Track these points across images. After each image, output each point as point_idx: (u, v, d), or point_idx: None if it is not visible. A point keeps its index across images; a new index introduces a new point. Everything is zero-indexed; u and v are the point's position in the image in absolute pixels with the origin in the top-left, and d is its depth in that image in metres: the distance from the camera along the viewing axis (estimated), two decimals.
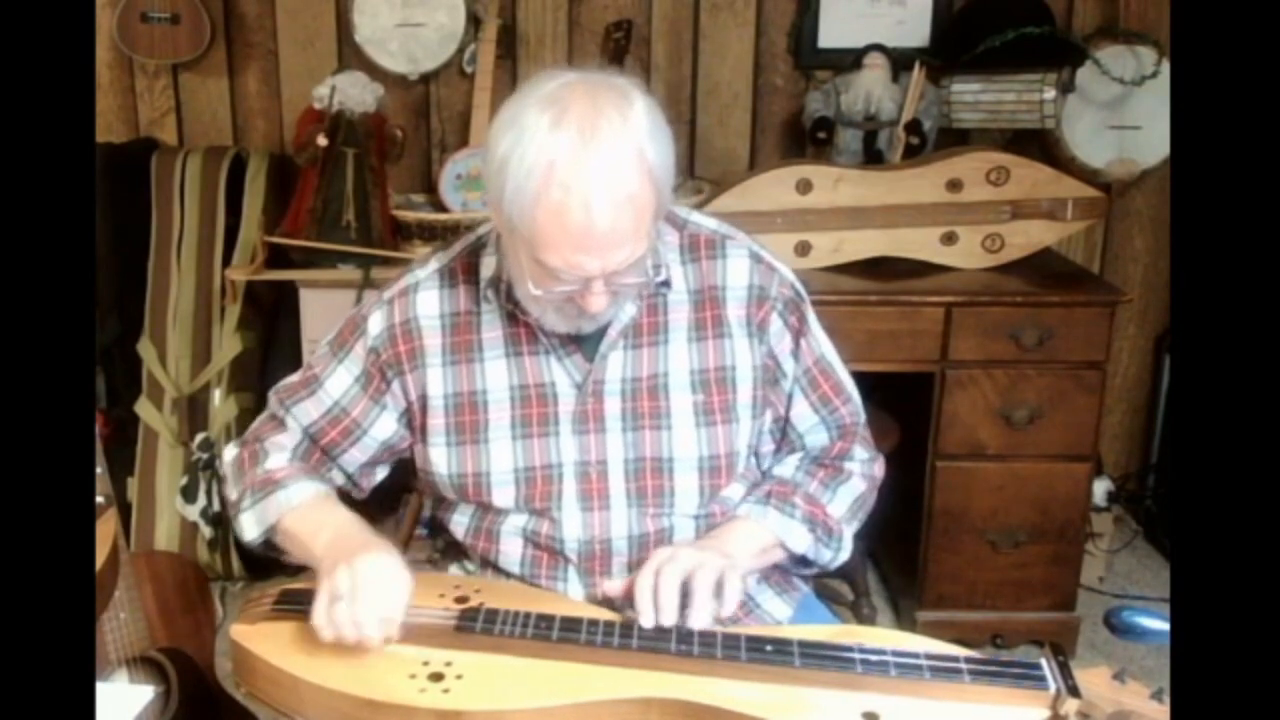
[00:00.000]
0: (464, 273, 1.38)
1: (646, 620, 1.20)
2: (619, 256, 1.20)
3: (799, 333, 1.41)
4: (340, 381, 1.39)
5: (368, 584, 1.18)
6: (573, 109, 1.17)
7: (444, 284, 1.38)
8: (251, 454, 1.40)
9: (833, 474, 1.45)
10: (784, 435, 1.45)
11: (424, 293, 1.38)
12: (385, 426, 1.40)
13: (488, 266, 1.36)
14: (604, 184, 1.15)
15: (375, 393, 1.38)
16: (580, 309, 1.25)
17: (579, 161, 1.15)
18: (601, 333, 1.34)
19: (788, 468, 1.46)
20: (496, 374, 1.36)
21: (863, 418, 1.49)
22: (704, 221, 1.42)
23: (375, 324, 1.38)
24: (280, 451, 1.40)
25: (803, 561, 1.42)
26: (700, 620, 1.20)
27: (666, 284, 1.35)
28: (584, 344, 1.35)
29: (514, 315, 1.34)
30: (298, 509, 1.33)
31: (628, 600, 1.26)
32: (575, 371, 1.35)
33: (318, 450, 1.42)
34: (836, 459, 1.46)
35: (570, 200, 1.15)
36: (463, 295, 1.38)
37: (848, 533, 1.44)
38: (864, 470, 1.48)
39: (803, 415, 1.44)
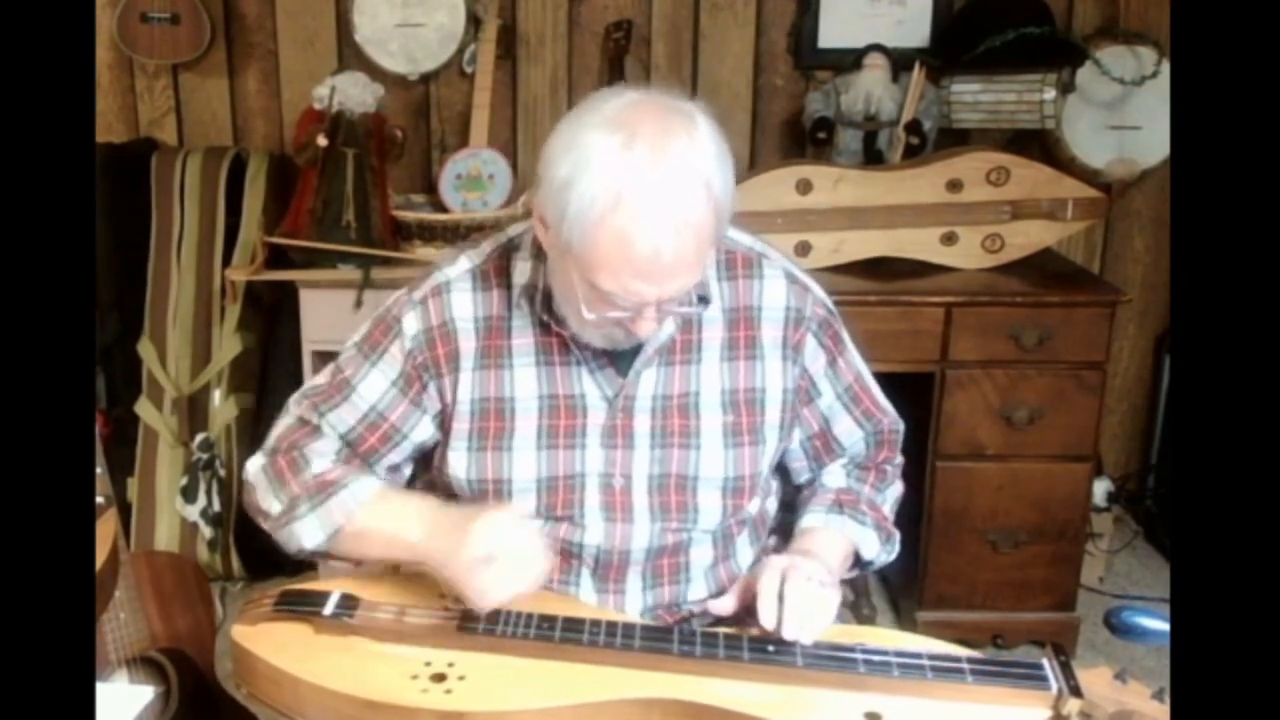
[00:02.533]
0: (496, 275, 1.35)
1: (770, 622, 1.20)
2: (677, 284, 1.18)
3: (835, 352, 1.41)
4: (375, 385, 1.36)
5: (501, 541, 1.20)
6: (641, 133, 1.14)
7: (477, 286, 1.35)
8: (290, 462, 1.35)
9: (880, 477, 1.49)
10: (825, 448, 1.46)
11: (458, 294, 1.34)
12: (424, 430, 1.37)
13: (521, 273, 1.33)
14: (671, 215, 1.13)
15: (415, 396, 1.35)
16: (627, 332, 1.24)
17: (648, 190, 1.13)
18: (636, 348, 1.32)
19: (838, 476, 1.48)
20: (525, 382, 1.33)
21: (902, 426, 1.51)
22: (739, 238, 1.40)
23: (411, 325, 1.34)
24: (322, 458, 1.36)
25: (859, 564, 1.44)
26: (810, 637, 1.20)
27: (704, 300, 1.33)
28: (617, 358, 1.33)
29: (547, 325, 1.32)
30: (367, 505, 1.30)
31: (744, 612, 1.26)
32: (607, 386, 1.33)
33: (356, 458, 1.38)
34: (882, 464, 1.50)
35: (636, 229, 1.13)
36: (495, 299, 1.34)
37: (897, 532, 1.47)
38: (899, 472, 1.53)
39: (849, 431, 1.45)
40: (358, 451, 1.38)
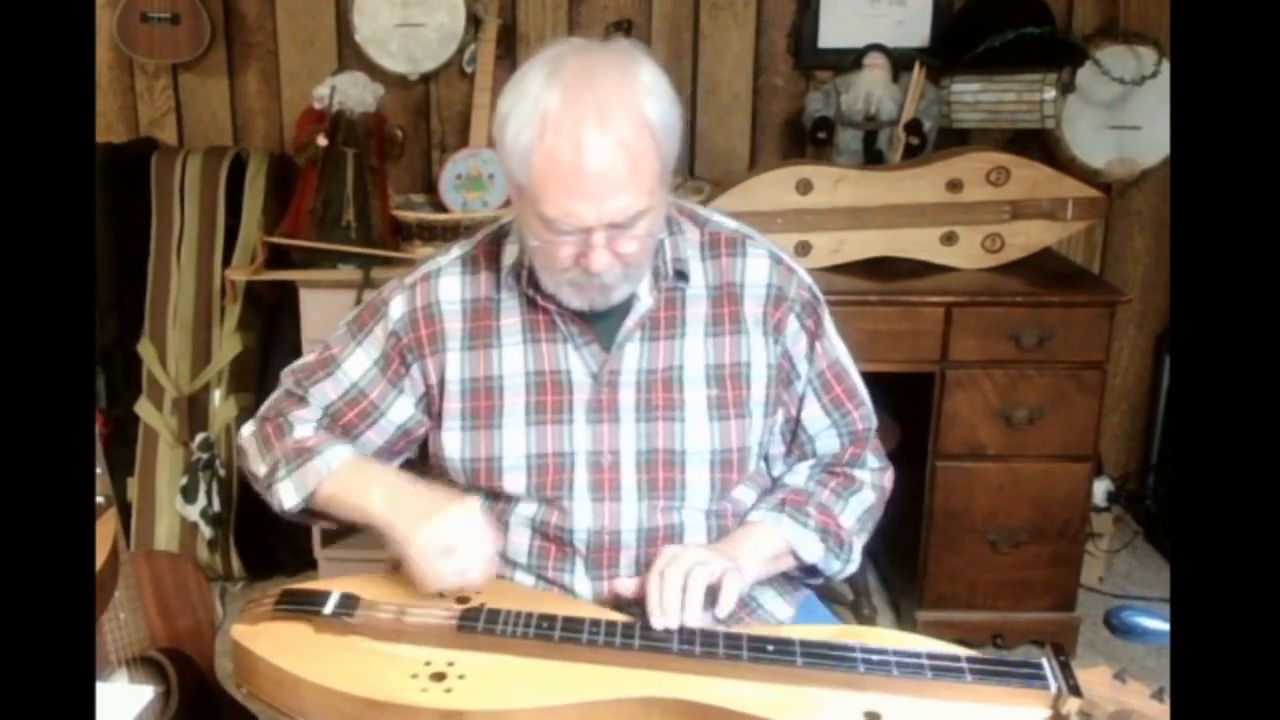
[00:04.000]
0: (486, 259, 1.40)
1: (656, 621, 1.21)
2: (615, 204, 1.20)
3: (814, 335, 1.42)
4: (358, 363, 1.41)
5: (462, 535, 1.25)
6: (569, 63, 1.20)
7: (466, 270, 1.40)
8: (276, 428, 1.42)
9: (845, 483, 1.46)
10: (794, 438, 1.46)
11: (446, 278, 1.39)
12: (402, 410, 1.41)
13: (510, 254, 1.37)
14: (595, 126, 1.17)
15: (394, 376, 1.40)
16: (586, 272, 1.25)
17: (569, 104, 1.18)
18: (619, 323, 1.34)
19: (799, 476, 1.46)
20: (513, 360, 1.36)
21: (874, 424, 1.49)
22: (725, 221, 1.44)
23: (397, 308, 1.39)
24: (305, 424, 1.42)
25: (810, 571, 1.43)
26: (693, 619, 1.20)
27: (684, 277, 1.36)
28: (601, 334, 1.35)
29: (534, 302, 1.35)
30: (338, 472, 1.34)
31: (638, 600, 1.26)
32: (591, 361, 1.35)
33: (338, 429, 1.43)
34: (848, 466, 1.47)
35: (560, 142, 1.17)
36: (484, 281, 1.39)
37: (857, 544, 1.45)
38: (874, 480, 1.48)
39: (814, 418, 1.44)
40: (339, 424, 1.42)
